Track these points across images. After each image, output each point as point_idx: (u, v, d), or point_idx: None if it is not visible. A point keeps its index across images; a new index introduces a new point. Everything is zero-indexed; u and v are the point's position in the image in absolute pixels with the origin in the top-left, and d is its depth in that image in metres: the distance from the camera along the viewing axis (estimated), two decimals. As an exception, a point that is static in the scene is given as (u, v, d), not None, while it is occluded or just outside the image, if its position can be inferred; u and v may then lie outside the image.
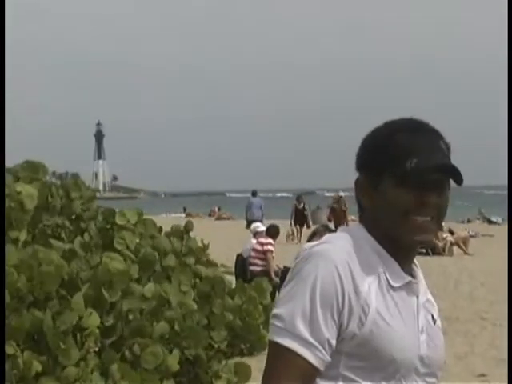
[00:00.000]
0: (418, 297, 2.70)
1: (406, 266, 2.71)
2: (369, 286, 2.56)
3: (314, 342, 2.52)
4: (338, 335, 2.56)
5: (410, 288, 2.66)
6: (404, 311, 2.62)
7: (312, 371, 2.55)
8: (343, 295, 2.54)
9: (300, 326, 2.52)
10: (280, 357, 2.58)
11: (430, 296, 2.82)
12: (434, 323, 2.76)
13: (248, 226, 38.70)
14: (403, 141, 2.63)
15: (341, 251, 2.61)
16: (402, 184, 2.58)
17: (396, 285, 2.61)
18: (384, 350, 2.55)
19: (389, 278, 2.61)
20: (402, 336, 2.59)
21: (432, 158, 2.60)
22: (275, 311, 2.61)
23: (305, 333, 2.52)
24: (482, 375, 11.89)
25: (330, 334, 2.54)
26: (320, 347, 2.52)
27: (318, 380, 2.63)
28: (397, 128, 2.70)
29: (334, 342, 2.55)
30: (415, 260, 2.80)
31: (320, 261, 2.57)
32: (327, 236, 2.67)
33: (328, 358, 2.56)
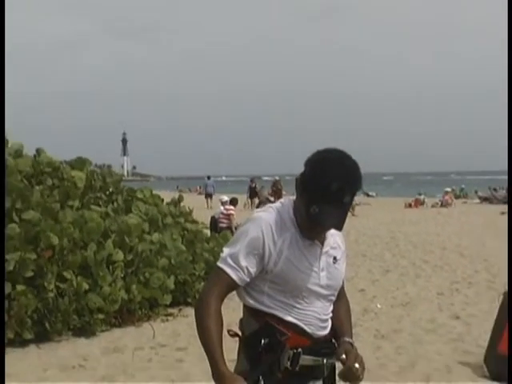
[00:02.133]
0: (321, 248, 3.04)
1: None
2: (283, 240, 2.95)
3: (235, 265, 2.96)
4: (263, 269, 2.97)
5: (313, 243, 3.02)
6: (309, 257, 3.00)
7: (232, 284, 3.00)
8: (263, 244, 2.94)
9: (229, 256, 2.99)
10: (216, 273, 3.04)
11: (336, 245, 3.13)
12: (335, 263, 3.08)
13: (206, 197, 43.56)
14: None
15: (269, 218, 3.01)
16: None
17: (303, 241, 2.99)
18: (290, 280, 2.96)
19: (298, 237, 2.98)
20: (304, 272, 2.97)
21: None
22: (223, 249, 3.07)
23: (230, 260, 2.98)
24: (362, 290, 13.00)
25: (248, 264, 2.96)
26: (239, 269, 2.96)
27: (251, 292, 3.06)
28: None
29: (252, 270, 2.97)
30: None
31: (253, 222, 3.03)
32: (268, 207, 3.00)
33: (245, 278, 2.98)
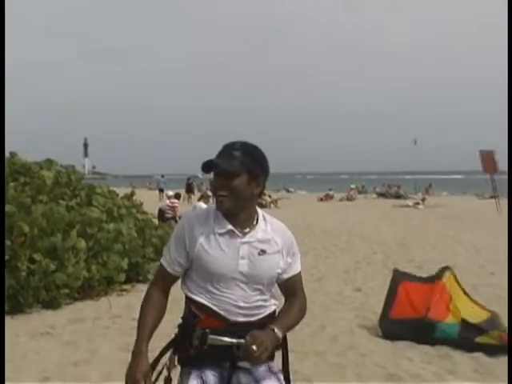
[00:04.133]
0: (242, 238, 2.84)
1: (238, 224, 2.86)
2: (201, 231, 2.83)
3: (169, 259, 2.92)
4: (189, 258, 2.88)
5: (232, 233, 2.83)
6: (225, 246, 2.82)
7: (169, 275, 2.95)
8: (184, 236, 2.86)
9: (166, 252, 2.96)
10: (158, 268, 3.02)
11: (269, 241, 2.89)
12: (261, 255, 2.85)
13: (159, 191, 42.81)
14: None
15: (192, 214, 2.94)
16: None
17: (219, 231, 2.83)
18: (204, 266, 2.83)
19: (215, 228, 2.83)
20: (218, 259, 2.81)
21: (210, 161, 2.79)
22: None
23: (167, 255, 2.94)
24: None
25: (177, 255, 2.89)
26: (172, 262, 2.91)
27: (187, 281, 2.95)
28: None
29: (181, 261, 2.89)
30: (264, 219, 2.94)
31: (181, 220, 2.98)
32: (199, 204, 3.27)
33: (178, 269, 2.92)
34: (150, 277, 11.06)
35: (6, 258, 8.86)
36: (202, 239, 2.82)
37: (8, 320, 8.53)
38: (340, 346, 7.28)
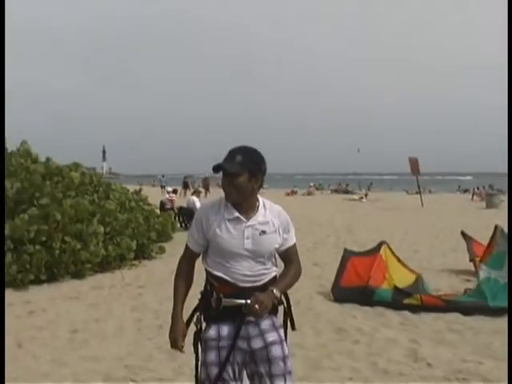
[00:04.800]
0: (245, 223, 2.81)
1: (243, 211, 2.83)
2: (214, 218, 2.82)
3: (191, 239, 2.90)
4: (206, 239, 2.85)
5: (238, 219, 2.81)
6: (233, 229, 2.81)
7: (192, 252, 2.93)
8: (201, 222, 2.85)
9: (189, 235, 2.93)
10: (185, 248, 2.96)
11: (267, 222, 2.86)
12: (261, 235, 2.82)
13: (161, 188, 41.65)
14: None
15: (207, 205, 2.94)
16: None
17: (228, 217, 2.81)
18: (218, 246, 2.81)
19: (225, 215, 2.82)
20: (228, 240, 2.79)
21: (220, 165, 2.77)
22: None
23: (190, 237, 2.91)
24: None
25: (197, 236, 2.88)
26: (193, 242, 2.90)
27: (206, 257, 2.90)
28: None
29: (200, 241, 2.87)
30: (263, 205, 2.90)
31: (199, 210, 2.97)
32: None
33: (198, 247, 2.89)
34: (154, 255, 11.39)
35: (44, 239, 8.93)
36: (215, 224, 2.81)
37: (45, 287, 8.67)
38: (301, 307, 7.25)
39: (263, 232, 2.83)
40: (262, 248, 2.83)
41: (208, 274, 2.89)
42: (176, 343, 2.85)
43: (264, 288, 2.81)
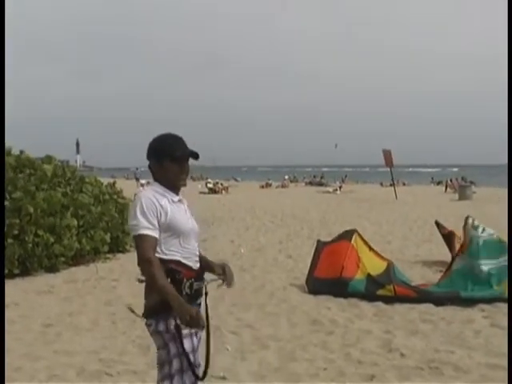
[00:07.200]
0: (184, 204, 2.97)
1: (177, 194, 2.94)
2: (164, 202, 2.82)
3: (151, 226, 2.76)
4: (159, 222, 2.79)
5: (180, 201, 2.93)
6: (181, 211, 2.91)
7: (154, 240, 2.77)
8: (155, 205, 2.79)
9: (143, 223, 2.75)
10: (142, 239, 2.75)
11: (187, 204, 3.02)
12: (192, 215, 3.00)
13: (136, 180, 42.18)
14: (171, 142, 2.90)
15: (149, 191, 2.88)
16: (173, 162, 2.87)
17: (174, 199, 2.90)
18: (175, 226, 2.82)
19: (171, 198, 2.87)
20: (181, 220, 2.87)
21: (185, 151, 2.90)
22: (130, 223, 2.81)
23: (145, 226, 2.75)
24: (232, 241, 12.64)
25: (154, 221, 2.77)
26: (152, 228, 2.76)
27: (161, 239, 2.81)
28: (166, 137, 2.94)
29: (157, 226, 2.78)
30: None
31: (142, 197, 2.82)
32: (143, 189, 2.93)
33: (157, 233, 2.78)
34: (128, 248, 11.17)
35: (16, 232, 8.84)
36: (169, 208, 2.82)
37: (18, 281, 8.58)
38: (276, 299, 7.32)
39: (191, 214, 3.01)
40: (197, 227, 3.01)
41: (165, 262, 2.79)
42: (199, 314, 2.69)
43: (202, 269, 2.98)
